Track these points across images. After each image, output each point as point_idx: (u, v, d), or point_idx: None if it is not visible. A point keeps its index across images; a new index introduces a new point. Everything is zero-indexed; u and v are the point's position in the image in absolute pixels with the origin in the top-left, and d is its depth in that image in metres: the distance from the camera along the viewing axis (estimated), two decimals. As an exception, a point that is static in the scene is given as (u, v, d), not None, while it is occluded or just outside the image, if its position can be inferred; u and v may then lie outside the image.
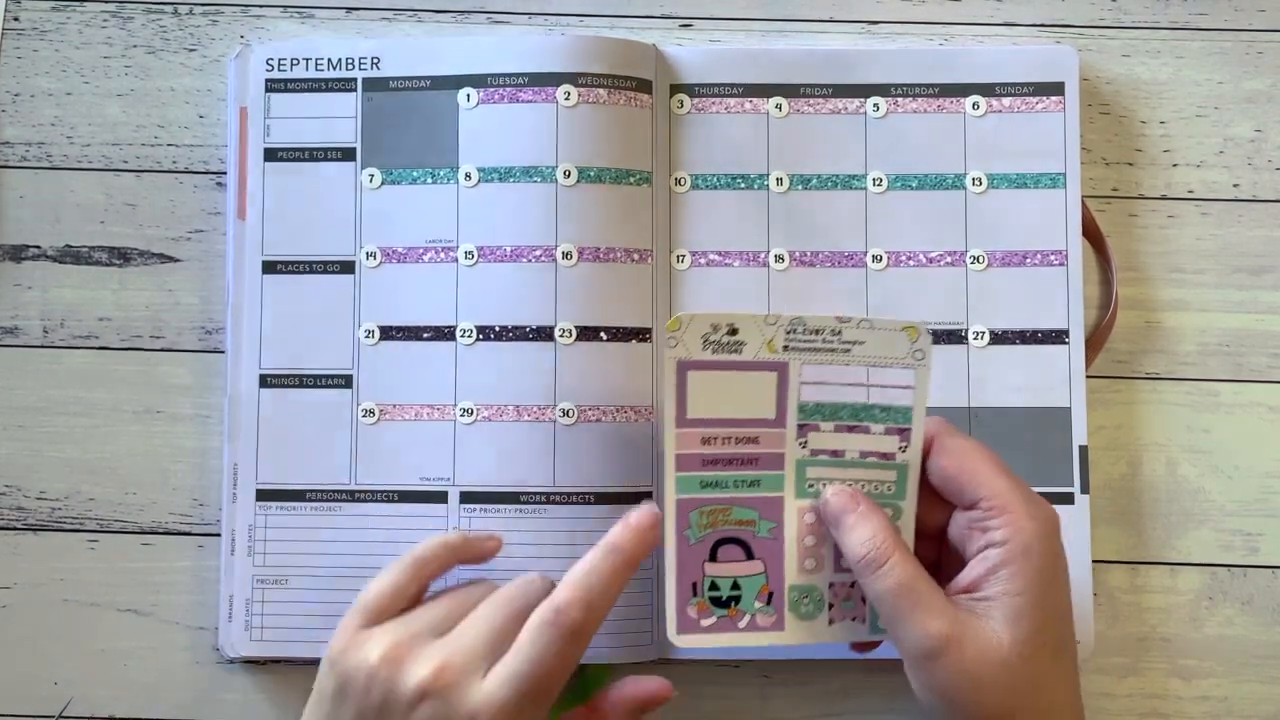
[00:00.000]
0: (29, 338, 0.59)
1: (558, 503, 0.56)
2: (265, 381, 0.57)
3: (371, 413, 0.57)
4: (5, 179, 0.60)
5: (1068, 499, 0.57)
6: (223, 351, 0.58)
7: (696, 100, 0.59)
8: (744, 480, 0.51)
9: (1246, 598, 0.58)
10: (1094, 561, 0.57)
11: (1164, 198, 0.60)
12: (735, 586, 0.51)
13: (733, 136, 0.59)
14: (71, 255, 0.59)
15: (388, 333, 0.57)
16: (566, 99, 0.57)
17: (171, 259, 0.60)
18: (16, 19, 0.61)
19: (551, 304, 0.57)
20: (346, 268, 0.58)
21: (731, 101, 0.59)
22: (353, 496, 0.56)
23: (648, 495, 0.56)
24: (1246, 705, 0.58)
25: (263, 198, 0.58)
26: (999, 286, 0.58)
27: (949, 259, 0.59)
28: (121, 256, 0.60)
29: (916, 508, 0.51)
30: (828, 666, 0.57)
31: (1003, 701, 0.46)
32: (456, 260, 0.57)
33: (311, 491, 0.57)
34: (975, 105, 0.59)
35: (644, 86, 0.58)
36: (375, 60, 0.58)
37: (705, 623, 0.50)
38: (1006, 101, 0.59)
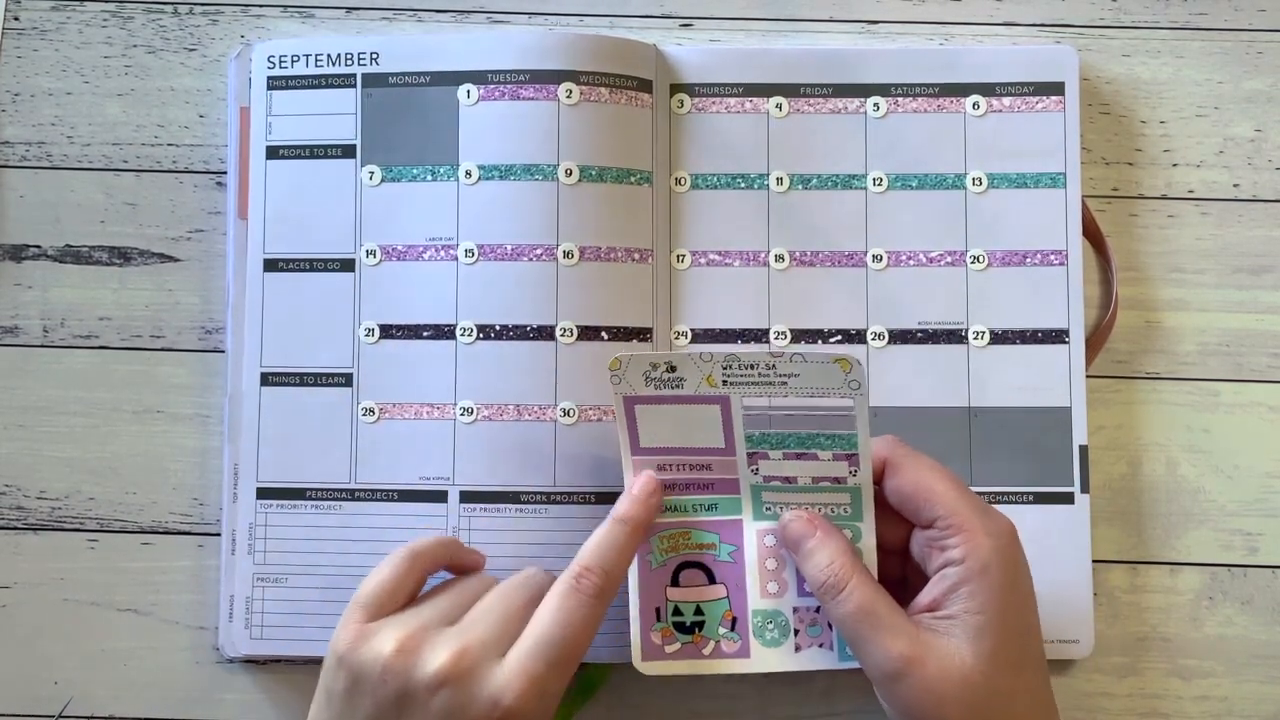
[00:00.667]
0: (29, 337, 0.59)
1: (558, 502, 0.56)
2: (266, 380, 0.57)
3: (371, 411, 0.57)
4: (5, 179, 0.60)
5: (1068, 499, 0.57)
6: (223, 351, 0.58)
7: (697, 100, 0.59)
8: (702, 504, 0.52)
9: (1246, 597, 0.58)
10: (1094, 561, 0.57)
11: (1164, 197, 0.60)
12: (699, 612, 0.52)
13: (733, 136, 0.59)
14: (71, 255, 0.59)
15: (388, 331, 0.57)
16: (568, 97, 0.57)
17: (171, 259, 0.60)
18: (16, 19, 0.61)
19: (553, 303, 0.56)
20: (347, 266, 0.58)
21: (731, 101, 0.59)
22: (353, 495, 0.56)
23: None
24: (1246, 705, 0.58)
25: (264, 196, 0.58)
26: (999, 286, 0.58)
27: (949, 259, 0.59)
28: (121, 256, 0.60)
29: (876, 526, 0.51)
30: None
31: (967, 718, 0.47)
32: (457, 259, 0.57)
33: (312, 490, 0.57)
34: (975, 105, 0.59)
35: (644, 86, 0.58)
36: (374, 55, 0.58)
37: (670, 649, 0.51)
38: (1007, 101, 0.59)
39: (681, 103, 0.59)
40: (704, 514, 0.52)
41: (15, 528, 0.58)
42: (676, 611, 0.52)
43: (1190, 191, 0.60)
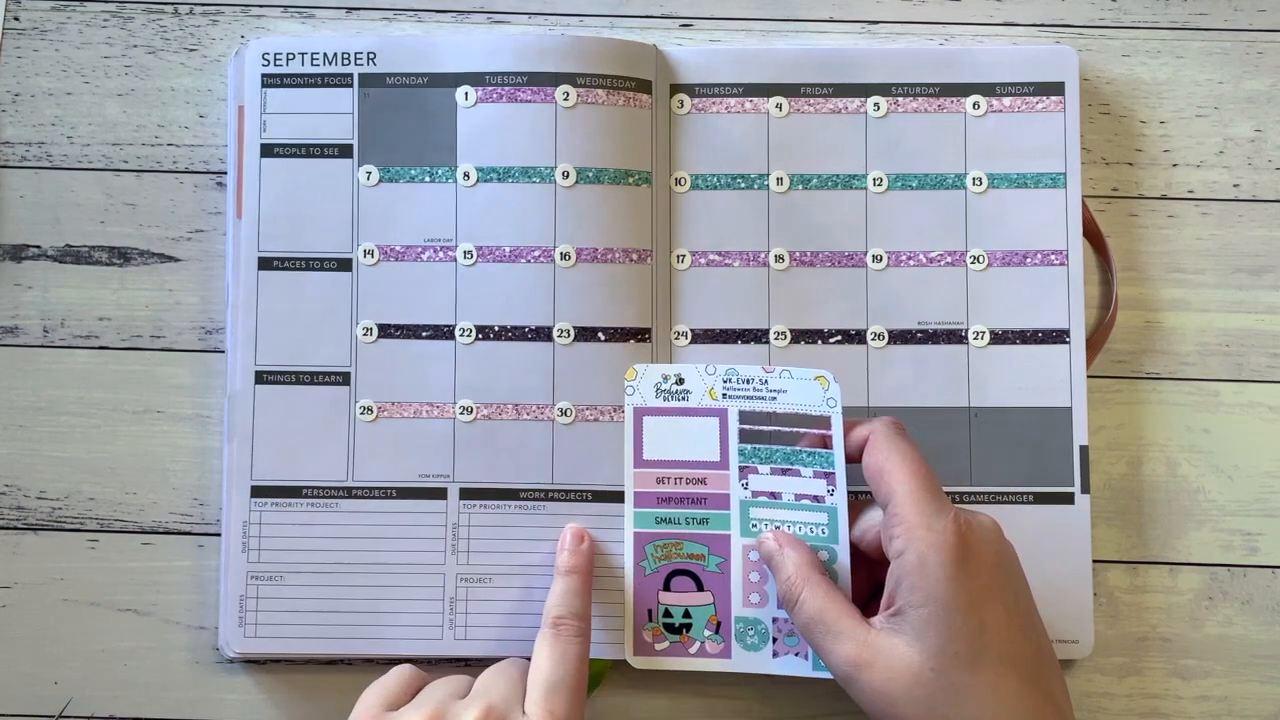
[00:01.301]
0: (29, 337, 0.59)
1: (555, 499, 0.56)
2: (261, 378, 0.57)
3: (370, 410, 0.57)
4: (5, 179, 0.60)
5: (1068, 499, 0.57)
6: (222, 351, 0.59)
7: (696, 100, 0.59)
8: (694, 518, 0.55)
9: (1246, 597, 0.58)
10: (1094, 561, 0.57)
11: (1164, 198, 0.60)
12: (686, 615, 0.55)
13: (733, 136, 0.59)
14: (71, 255, 0.60)
15: (386, 331, 0.57)
16: (565, 99, 0.57)
17: (171, 259, 0.60)
18: (16, 19, 0.61)
19: (550, 304, 0.57)
20: (344, 265, 0.58)
21: (731, 101, 0.59)
22: (350, 493, 0.56)
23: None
24: (1246, 705, 0.57)
25: (259, 193, 0.58)
26: (999, 286, 0.58)
27: (949, 259, 0.59)
28: (121, 256, 0.60)
29: (850, 548, 0.53)
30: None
31: (921, 715, 0.47)
32: (455, 260, 0.57)
33: (308, 488, 0.57)
34: (975, 105, 0.59)
35: (644, 86, 0.58)
36: (371, 55, 0.58)
37: (659, 646, 0.55)
38: (1007, 101, 0.59)
39: (681, 103, 0.59)
40: (696, 527, 0.55)
41: (15, 528, 0.58)
42: (667, 614, 0.55)
43: (1190, 191, 0.60)
